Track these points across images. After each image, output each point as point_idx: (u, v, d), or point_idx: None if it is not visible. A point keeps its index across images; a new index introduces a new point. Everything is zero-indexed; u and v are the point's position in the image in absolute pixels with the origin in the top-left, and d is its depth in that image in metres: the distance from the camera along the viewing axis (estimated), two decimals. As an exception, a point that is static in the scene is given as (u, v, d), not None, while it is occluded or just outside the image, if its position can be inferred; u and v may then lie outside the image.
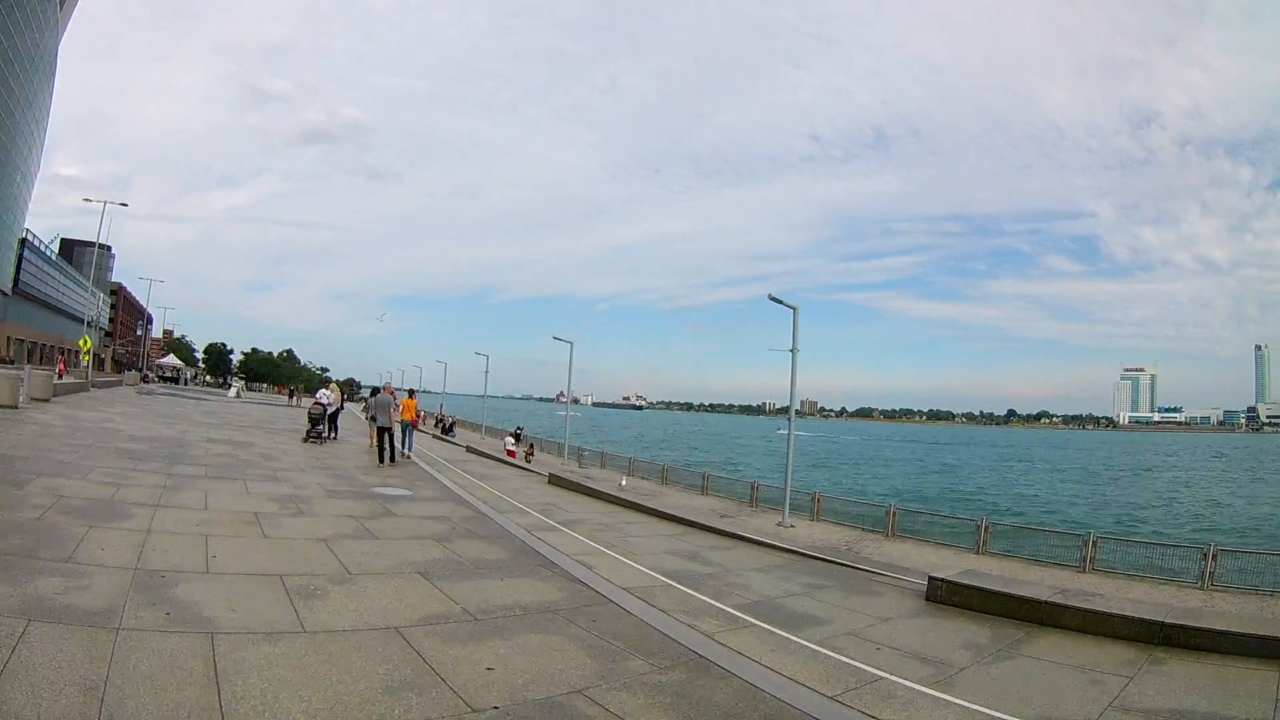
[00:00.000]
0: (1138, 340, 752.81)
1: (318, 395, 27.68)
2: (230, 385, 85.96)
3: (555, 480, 23.51)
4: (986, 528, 20.26)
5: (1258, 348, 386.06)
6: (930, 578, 10.34)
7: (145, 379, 76.31)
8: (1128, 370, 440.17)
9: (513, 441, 40.92)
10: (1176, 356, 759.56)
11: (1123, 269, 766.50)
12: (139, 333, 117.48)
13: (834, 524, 25.59)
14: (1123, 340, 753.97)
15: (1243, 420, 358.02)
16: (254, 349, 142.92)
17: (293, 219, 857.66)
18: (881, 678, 7.09)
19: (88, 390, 40.91)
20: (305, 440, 24.63)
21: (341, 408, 29.16)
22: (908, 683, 6.99)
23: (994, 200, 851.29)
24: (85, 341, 50.00)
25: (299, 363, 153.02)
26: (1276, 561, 15.46)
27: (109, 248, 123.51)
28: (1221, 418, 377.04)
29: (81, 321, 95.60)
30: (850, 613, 9.64)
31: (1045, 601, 9.27)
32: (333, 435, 26.94)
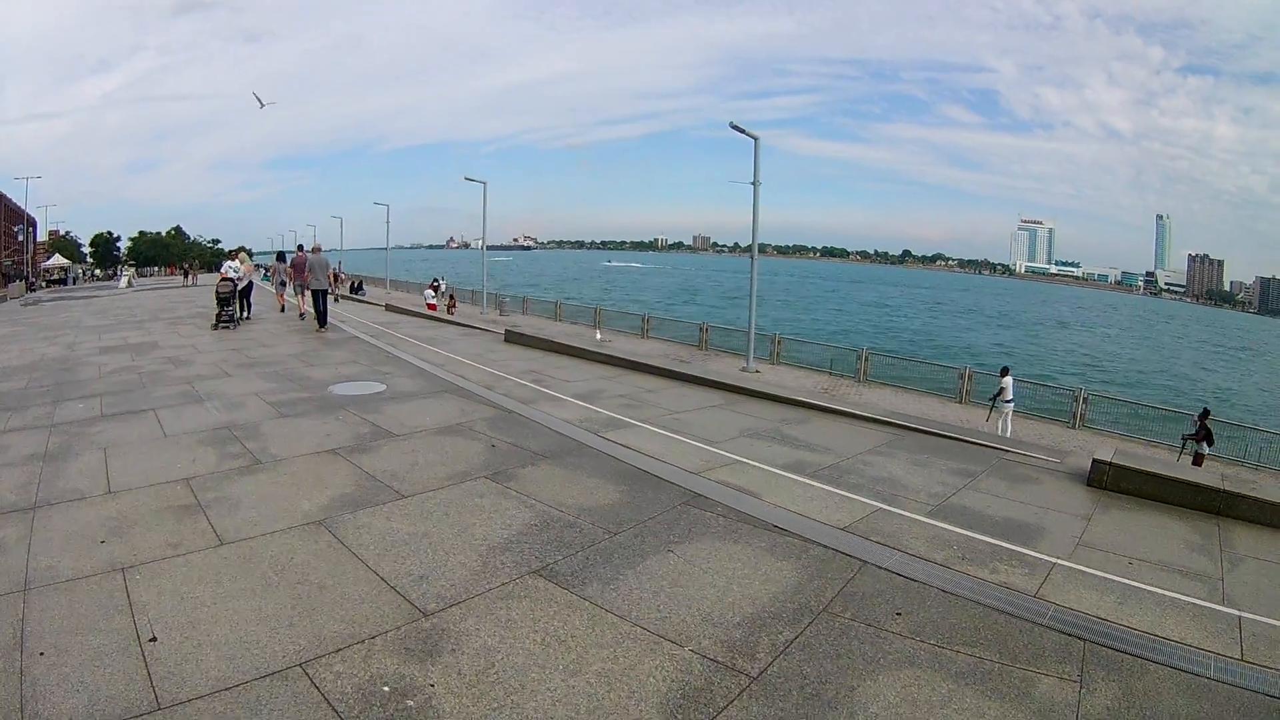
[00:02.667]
0: (1035, 195, 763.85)
1: (224, 269, 21.43)
2: (120, 275, 74.85)
3: (514, 338, 19.11)
4: (970, 376, 20.64)
5: (1159, 217, 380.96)
6: (1095, 461, 8.31)
7: (32, 287, 64.65)
8: (1026, 221, 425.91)
9: (431, 294, 36.41)
10: (1073, 214, 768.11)
11: (1022, 125, 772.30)
12: (20, 238, 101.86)
13: (796, 367, 24.32)
14: (1020, 193, 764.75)
15: (1140, 283, 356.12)
16: (141, 232, 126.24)
17: (170, 93, 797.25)
18: (1224, 613, 5.13)
19: (-33, 317, 32.50)
20: (215, 327, 19.14)
21: (252, 283, 23.09)
22: (1207, 604, 5.26)
23: (892, 47, 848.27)
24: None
25: (188, 239, 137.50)
26: (1254, 435, 17.14)
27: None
28: (1120, 278, 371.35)
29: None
30: (1043, 512, 7.13)
31: (1221, 490, 7.60)
32: (246, 315, 21.52)
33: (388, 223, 54.61)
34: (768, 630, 4.32)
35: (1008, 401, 17.95)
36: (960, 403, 20.18)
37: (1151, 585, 5.46)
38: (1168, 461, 10.66)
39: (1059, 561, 5.77)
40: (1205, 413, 16.01)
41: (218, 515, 5.70)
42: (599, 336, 25.76)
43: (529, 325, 27.33)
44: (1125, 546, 6.28)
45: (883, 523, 6.34)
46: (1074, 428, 17.99)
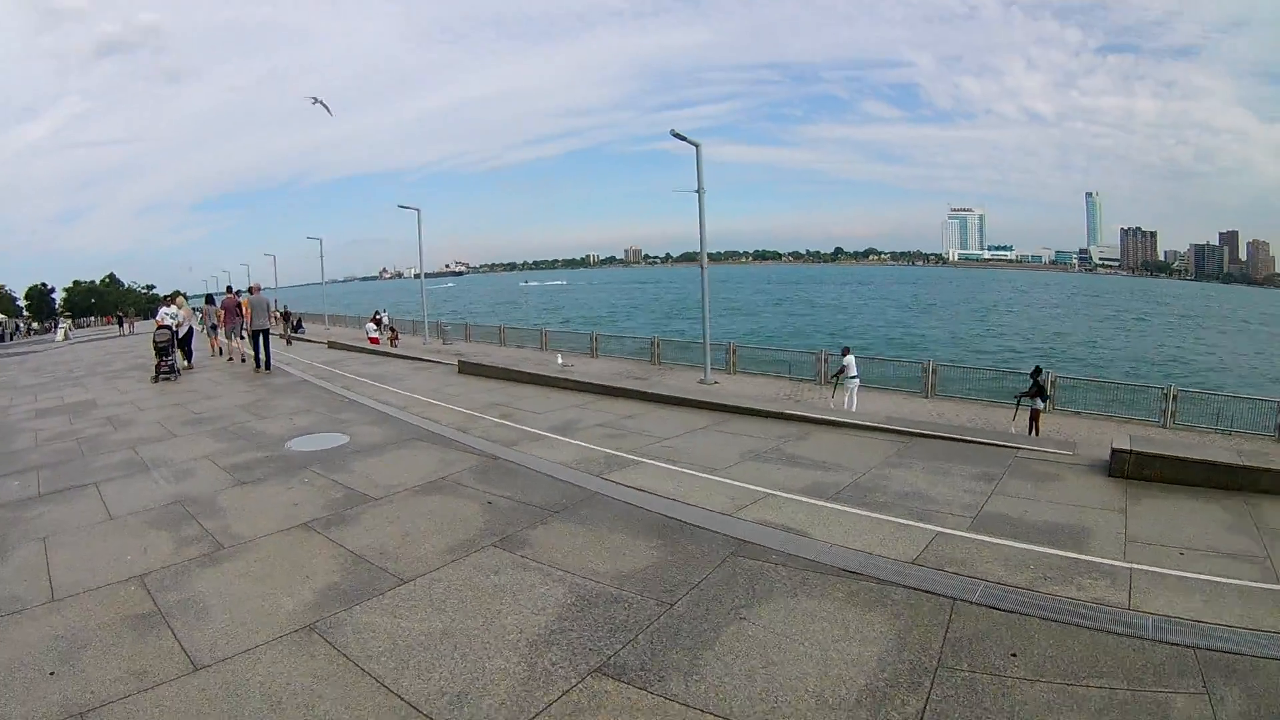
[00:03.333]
0: (961, 183, 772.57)
1: (159, 315, 19.62)
2: (57, 328, 70.50)
3: (468, 369, 18.05)
4: (935, 370, 20.89)
5: (1088, 195, 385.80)
6: (1114, 450, 8.04)
7: None
8: (955, 210, 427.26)
9: (374, 327, 35.28)
10: (1001, 200, 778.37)
11: (944, 115, 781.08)
12: None
13: (755, 375, 24.27)
14: (946, 183, 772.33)
15: (1075, 261, 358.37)
16: (75, 281, 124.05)
17: (95, 139, 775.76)
18: None
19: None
20: (156, 379, 17.51)
21: (192, 329, 21.20)
22: (1270, 586, 5.13)
23: (810, 50, 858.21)
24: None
25: (123, 286, 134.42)
26: (1224, 402, 17.43)
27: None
28: (1054, 257, 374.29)
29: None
30: (1079, 510, 6.74)
31: (1241, 466, 7.55)
32: (187, 364, 19.85)
33: (321, 257, 52.62)
34: (893, 704, 3.66)
35: (852, 378, 19.29)
36: (927, 397, 20.26)
37: (1215, 575, 5.26)
38: (1187, 443, 10.63)
39: (1135, 566, 5.40)
40: (1037, 370, 17.00)
41: (185, 626, 4.62)
42: (560, 362, 24.82)
43: (477, 353, 26.57)
44: (1170, 537, 6.05)
45: (948, 548, 5.73)
46: (1046, 412, 17.64)
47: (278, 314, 36.38)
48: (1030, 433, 15.37)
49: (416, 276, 45.01)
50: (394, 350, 27.16)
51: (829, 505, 6.81)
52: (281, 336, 26.48)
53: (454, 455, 9.10)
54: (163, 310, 19.84)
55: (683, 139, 21.58)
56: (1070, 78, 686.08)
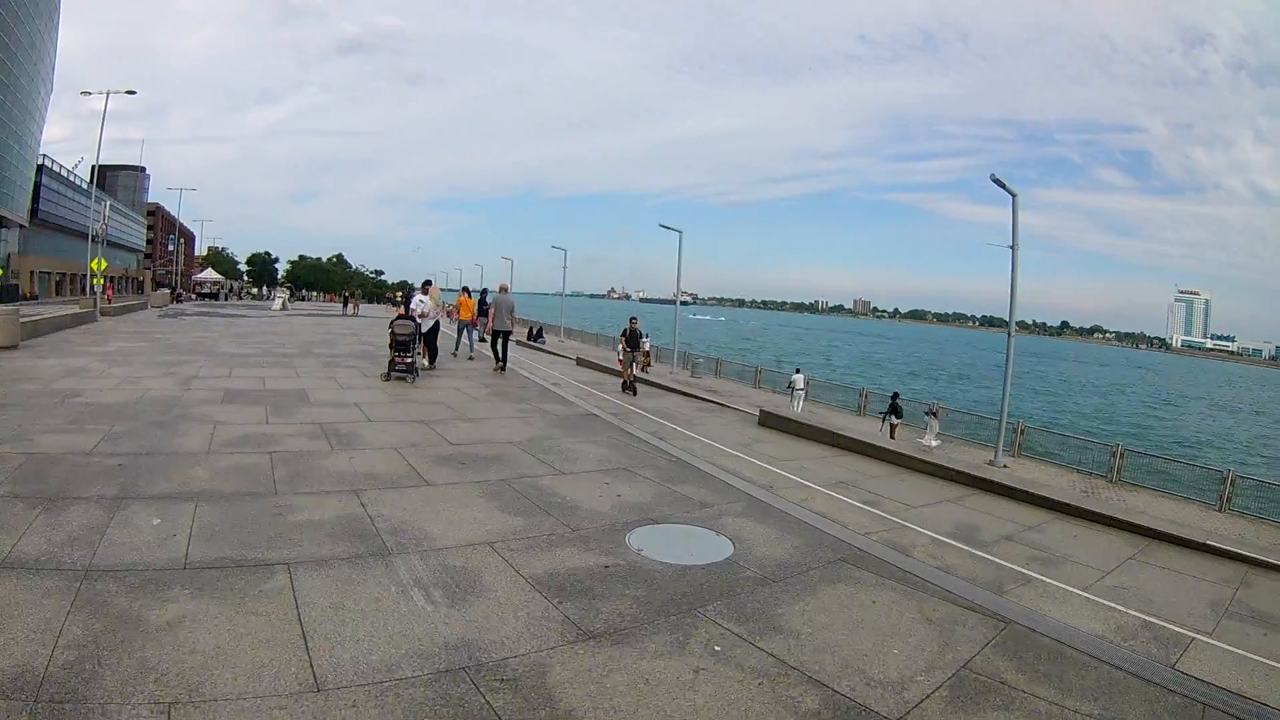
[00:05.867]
0: (1189, 262, 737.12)
1: (414, 304, 16.52)
2: (274, 296, 67.23)
3: (771, 422, 14.08)
4: (1233, 480, 17.58)
5: None
6: None
7: (178, 298, 62.22)
8: (1182, 293, 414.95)
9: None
10: (1228, 282, 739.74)
11: (1174, 187, 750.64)
12: (170, 248, 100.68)
13: (1042, 462, 21.10)
14: (1174, 261, 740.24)
15: None
16: (301, 256, 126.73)
17: (333, 129, 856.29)
18: None
19: (96, 320, 28.60)
20: (388, 378, 14.43)
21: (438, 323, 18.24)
22: None
23: (1043, 108, 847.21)
24: (98, 263, 37.18)
25: (350, 267, 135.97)
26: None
27: (143, 169, 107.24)
28: (1274, 353, 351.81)
29: (120, 247, 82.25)
30: None
31: None
32: (429, 364, 16.89)
33: (564, 268, 50.69)
34: None
35: (799, 390, 26.37)
36: (1220, 510, 17.03)
37: None
38: None
39: None
40: (895, 395, 23.58)
41: None
42: (935, 444, 20.71)
43: (734, 393, 24.98)
44: None
45: None
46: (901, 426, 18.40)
47: (623, 334, 33.66)
48: (891, 437, 19.33)
49: (643, 300, 41.62)
50: (651, 378, 23.46)
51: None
52: (624, 376, 18.49)
53: (937, 608, 5.24)
54: (417, 298, 16.88)
55: (1002, 186, 18.82)
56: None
